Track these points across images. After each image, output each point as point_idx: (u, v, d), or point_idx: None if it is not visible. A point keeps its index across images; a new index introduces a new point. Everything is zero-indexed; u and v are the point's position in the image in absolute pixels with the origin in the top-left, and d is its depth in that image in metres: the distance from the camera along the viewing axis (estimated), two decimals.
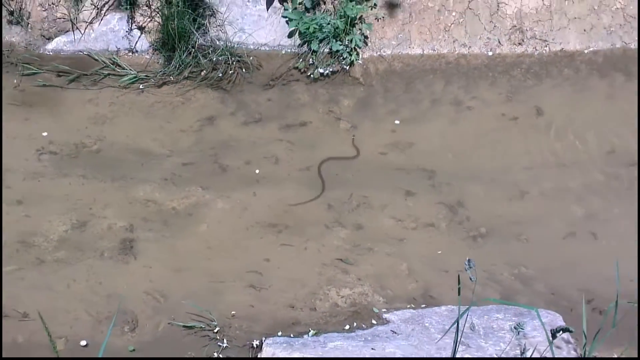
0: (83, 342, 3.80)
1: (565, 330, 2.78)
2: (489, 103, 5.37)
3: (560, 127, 5.17)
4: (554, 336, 2.74)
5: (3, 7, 5.30)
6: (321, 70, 5.53)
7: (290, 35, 5.63)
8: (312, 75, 5.50)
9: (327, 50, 5.52)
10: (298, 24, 5.45)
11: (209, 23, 5.50)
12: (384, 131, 5.13)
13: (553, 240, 4.40)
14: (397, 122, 5.19)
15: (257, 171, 4.75)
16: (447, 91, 5.46)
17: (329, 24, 5.40)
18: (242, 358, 3.64)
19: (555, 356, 3.09)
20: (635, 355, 3.41)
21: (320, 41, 5.48)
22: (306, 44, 5.55)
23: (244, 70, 5.50)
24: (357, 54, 5.55)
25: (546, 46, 5.69)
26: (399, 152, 4.98)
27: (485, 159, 4.94)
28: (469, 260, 2.78)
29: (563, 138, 5.10)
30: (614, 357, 3.43)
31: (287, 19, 5.52)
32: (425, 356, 3.41)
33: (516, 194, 4.71)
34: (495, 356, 3.28)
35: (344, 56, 5.52)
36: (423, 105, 5.38)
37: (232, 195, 4.56)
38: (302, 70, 5.55)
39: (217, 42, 5.51)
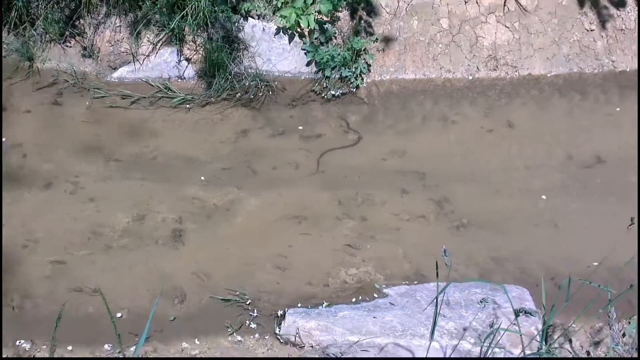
0: (140, 312, 3.83)
1: (527, 312, 2.87)
2: (469, 118, 5.37)
3: (527, 137, 5.12)
4: (516, 315, 2.80)
5: (78, 43, 5.40)
6: (333, 92, 5.52)
7: (308, 64, 5.62)
8: (325, 96, 5.51)
9: (338, 76, 5.53)
10: (314, 55, 5.44)
11: (242, 55, 5.49)
12: (384, 141, 5.12)
13: (522, 229, 4.36)
14: (400, 131, 5.13)
15: (282, 175, 4.72)
16: (435, 109, 5.46)
17: (339, 54, 5.41)
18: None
19: (521, 329, 3.15)
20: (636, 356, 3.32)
21: (332, 69, 5.48)
22: (321, 71, 5.55)
23: (270, 92, 5.48)
24: (362, 78, 5.57)
25: (516, 71, 5.66)
26: (396, 158, 4.97)
27: (467, 163, 4.94)
28: (444, 250, 2.85)
29: (529, 146, 5.05)
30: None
31: (305, 51, 5.50)
32: (416, 323, 3.51)
33: (492, 192, 4.69)
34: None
35: (352, 80, 5.54)
36: (416, 120, 5.38)
37: (262, 194, 4.58)
38: (317, 92, 5.54)
39: (249, 70, 5.51)
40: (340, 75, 5.48)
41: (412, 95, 5.51)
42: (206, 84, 5.35)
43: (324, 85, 5.50)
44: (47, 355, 3.45)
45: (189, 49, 5.43)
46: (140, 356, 3.43)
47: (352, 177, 4.76)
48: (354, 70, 5.47)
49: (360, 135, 5.06)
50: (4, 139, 4.75)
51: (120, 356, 3.45)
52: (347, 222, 4.40)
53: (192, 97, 5.26)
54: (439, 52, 5.60)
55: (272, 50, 5.53)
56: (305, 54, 5.49)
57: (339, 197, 4.56)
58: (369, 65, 5.56)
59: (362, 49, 5.43)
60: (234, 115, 5.23)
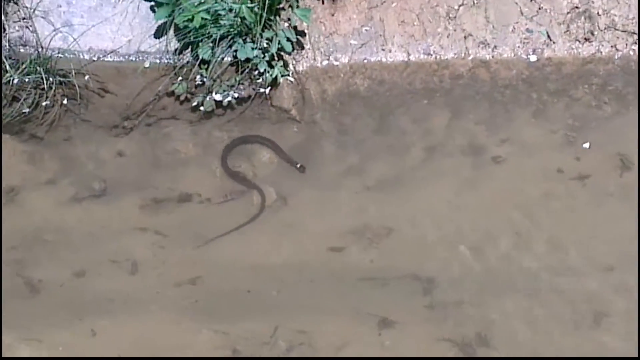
0: None
1: None
2: (532, 149, 4.98)
3: None
4: None
5: None
6: (217, 97, 5.17)
7: (159, 32, 5.28)
8: (201, 107, 5.14)
9: (228, 59, 5.19)
10: (172, 11, 5.14)
11: (3, 14, 5.26)
12: (338, 208, 4.76)
13: None
14: (367, 187, 4.88)
15: (97, 288, 4.52)
16: (454, 129, 5.11)
17: (230, 10, 5.14)
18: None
19: None
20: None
21: (216, 43, 5.17)
22: (189, 49, 5.23)
23: (72, 99, 5.14)
24: (285, 64, 5.26)
25: (634, 44, 5.38)
26: (366, 245, 4.59)
27: (530, 254, 4.56)
28: None
29: None
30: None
31: (152, 2, 5.29)
32: None
33: (589, 319, 4.31)
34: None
35: (261, 70, 5.19)
36: (411, 157, 4.99)
37: (48, 338, 4.22)
38: (182, 98, 5.17)
39: (21, 49, 5.20)
40: (235, 57, 5.21)
41: (400, 99, 5.23)
42: None
43: (198, 82, 5.23)
44: None
45: None
46: None
47: (265, 289, 4.49)
48: (265, 45, 5.21)
49: (279, 195, 4.87)
50: None
51: None
52: None
53: None
54: (460, 1, 5.41)
55: (76, 4, 5.32)
56: (151, 8, 5.31)
57: (234, 340, 4.24)
58: (301, 35, 5.33)
59: None
60: None
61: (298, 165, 4.97)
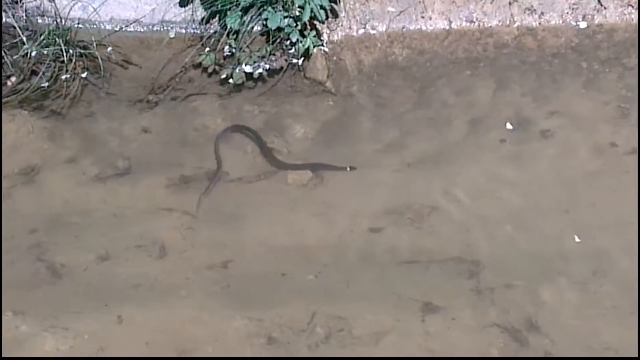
0: None
1: None
2: (583, 122, 4.88)
3: None
4: None
5: None
6: (247, 69, 5.10)
7: (185, 0, 5.27)
8: (230, 80, 5.07)
9: (258, 28, 5.12)
10: None
11: None
12: (376, 186, 4.68)
13: None
14: (407, 163, 4.82)
15: (126, 271, 4.44)
16: (500, 101, 5.04)
17: None
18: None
19: None
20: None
21: (245, 11, 5.12)
22: (217, 18, 5.19)
23: (94, 73, 5.09)
24: (318, 33, 5.19)
25: None
26: (407, 225, 4.50)
27: (581, 234, 4.46)
28: None
29: None
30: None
31: None
32: None
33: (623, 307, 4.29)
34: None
35: (293, 39, 5.12)
36: (453, 131, 4.91)
37: (74, 326, 4.11)
38: (209, 71, 5.11)
39: (38, 20, 5.15)
40: (265, 26, 5.15)
41: (442, 70, 5.19)
42: None
43: (226, 53, 5.16)
44: None
45: None
46: None
47: (299, 273, 4.39)
48: (297, 14, 5.15)
49: (315, 173, 4.76)
50: None
51: None
52: None
53: None
54: None
55: None
56: None
57: (267, 329, 4.15)
58: (334, 2, 5.30)
59: None
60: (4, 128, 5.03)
61: (348, 169, 4.89)
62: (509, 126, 5.06)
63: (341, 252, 4.53)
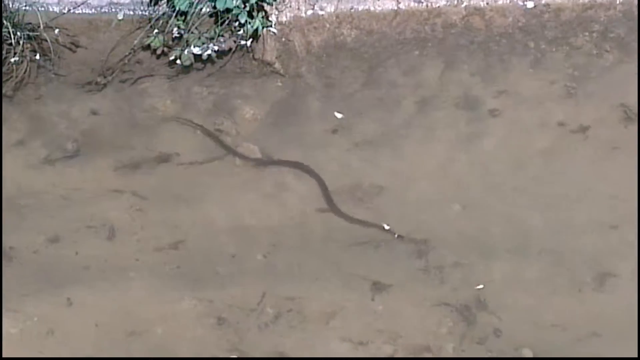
0: None
1: None
2: (530, 102, 4.94)
3: None
4: None
5: None
6: (196, 51, 5.05)
7: None
8: (179, 61, 5.03)
9: (206, 9, 5.00)
10: None
11: None
12: (325, 167, 4.68)
13: None
14: (356, 143, 4.83)
15: (75, 253, 4.44)
16: (448, 80, 5.07)
17: None
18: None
19: None
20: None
21: None
22: (166, 1, 5.13)
23: (41, 56, 5.01)
24: (267, 15, 5.12)
25: None
26: (355, 204, 4.55)
27: (528, 211, 4.53)
28: None
29: None
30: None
31: None
32: None
33: (589, 280, 4.31)
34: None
35: (241, 21, 5.02)
36: (402, 111, 4.92)
37: (24, 309, 4.16)
38: (158, 52, 5.05)
39: None
40: (214, 7, 5.03)
41: (390, 49, 5.18)
42: None
43: (175, 34, 5.07)
44: None
45: None
46: None
47: (250, 253, 4.42)
48: None
49: (264, 153, 4.81)
50: None
51: None
52: None
53: None
54: None
55: None
56: None
57: (220, 308, 4.17)
58: None
59: None
60: None
61: (396, 236, 4.78)
62: (338, 115, 5.08)
63: (291, 232, 4.55)
